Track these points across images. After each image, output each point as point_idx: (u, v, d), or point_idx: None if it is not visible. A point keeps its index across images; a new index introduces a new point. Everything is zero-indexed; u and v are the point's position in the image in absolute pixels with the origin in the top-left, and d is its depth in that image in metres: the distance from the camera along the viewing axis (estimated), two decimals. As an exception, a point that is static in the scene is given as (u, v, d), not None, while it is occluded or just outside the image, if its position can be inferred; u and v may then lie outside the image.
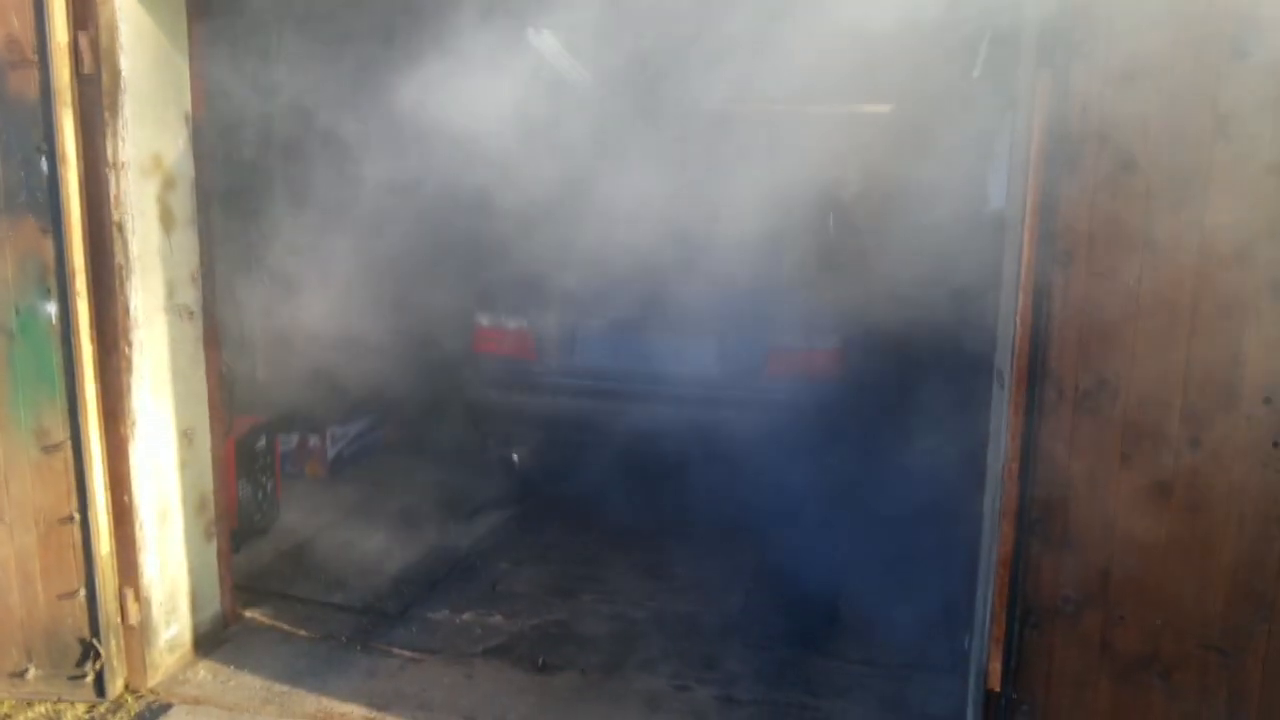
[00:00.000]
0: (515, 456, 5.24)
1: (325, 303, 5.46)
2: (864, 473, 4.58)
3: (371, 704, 3.38)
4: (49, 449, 3.24)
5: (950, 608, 4.03)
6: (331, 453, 5.89)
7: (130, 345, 3.28)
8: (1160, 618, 2.51)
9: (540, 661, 3.68)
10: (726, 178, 4.84)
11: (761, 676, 3.63)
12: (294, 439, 5.73)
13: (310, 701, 3.40)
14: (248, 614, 4.01)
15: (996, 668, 2.74)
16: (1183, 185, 2.36)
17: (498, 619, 4.06)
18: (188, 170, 3.52)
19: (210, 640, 3.77)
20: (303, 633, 3.91)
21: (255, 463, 4.72)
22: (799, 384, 4.52)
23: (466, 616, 4.08)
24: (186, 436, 3.60)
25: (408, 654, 3.76)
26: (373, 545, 4.79)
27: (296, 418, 5.61)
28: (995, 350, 3.01)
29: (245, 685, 3.51)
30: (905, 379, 4.51)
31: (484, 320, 4.94)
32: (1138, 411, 2.46)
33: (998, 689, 2.73)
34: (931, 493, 4.45)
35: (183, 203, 3.52)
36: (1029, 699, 2.70)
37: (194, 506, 3.68)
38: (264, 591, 4.22)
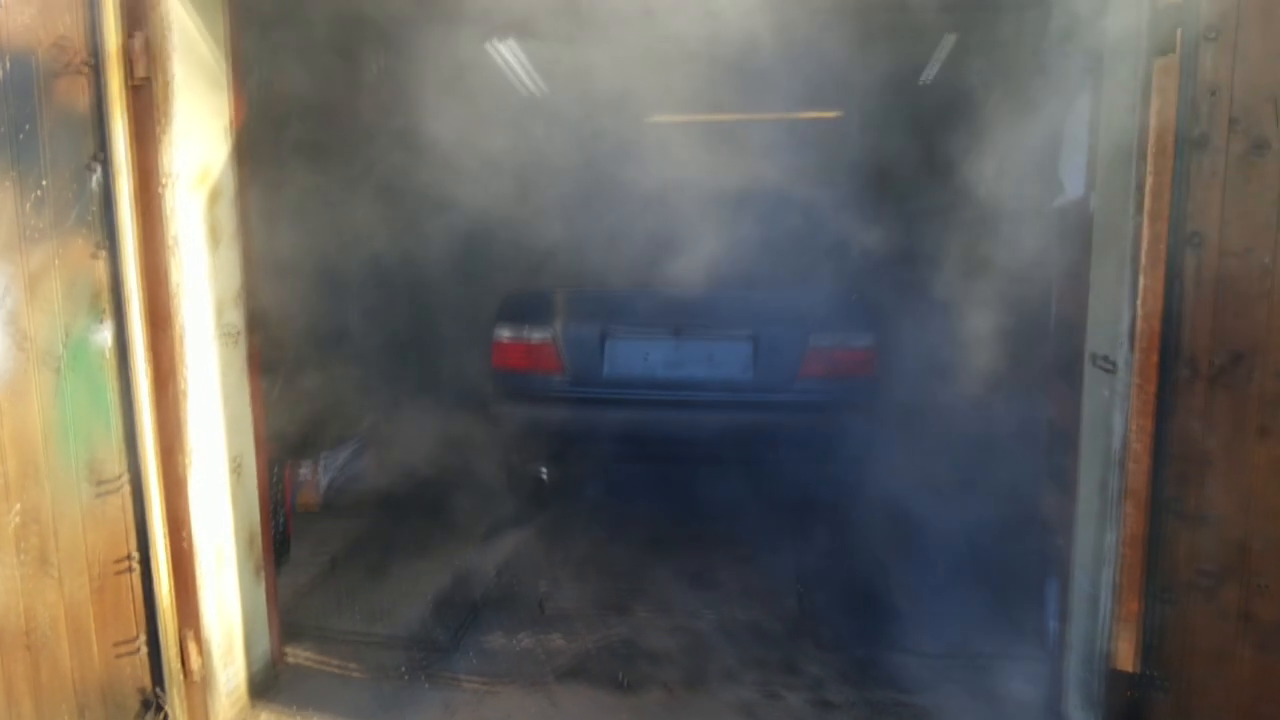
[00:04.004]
0: (544, 472, 5.08)
1: (315, 318, 5.20)
2: (898, 468, 4.61)
3: (462, 738, 3.22)
4: (103, 487, 2.99)
5: (1003, 595, 4.09)
6: (324, 481, 5.62)
7: (186, 372, 3.06)
8: (1304, 585, 2.58)
9: (622, 680, 3.56)
10: (756, 181, 4.82)
11: (846, 677, 3.60)
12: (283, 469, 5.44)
13: (394, 741, 3.22)
14: (289, 653, 3.78)
15: (1127, 647, 2.76)
16: (1313, 162, 2.44)
17: (558, 640, 3.91)
18: (230, 183, 3.30)
19: (264, 685, 3.53)
20: (356, 670, 3.71)
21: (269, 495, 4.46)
22: (834, 383, 4.51)
23: (524, 640, 3.92)
24: (236, 467, 3.38)
25: (478, 683, 3.59)
26: (396, 574, 4.58)
27: (294, 446, 5.34)
28: (1087, 337, 3.05)
29: (316, 730, 3.30)
30: (939, 373, 4.55)
31: (505, 334, 4.74)
32: (1274, 383, 2.52)
33: (1131, 668, 2.76)
34: (971, 485, 4.52)
35: (226, 218, 3.29)
36: (1165, 675, 2.73)
37: (244, 542, 3.44)
38: (299, 628, 3.97)
